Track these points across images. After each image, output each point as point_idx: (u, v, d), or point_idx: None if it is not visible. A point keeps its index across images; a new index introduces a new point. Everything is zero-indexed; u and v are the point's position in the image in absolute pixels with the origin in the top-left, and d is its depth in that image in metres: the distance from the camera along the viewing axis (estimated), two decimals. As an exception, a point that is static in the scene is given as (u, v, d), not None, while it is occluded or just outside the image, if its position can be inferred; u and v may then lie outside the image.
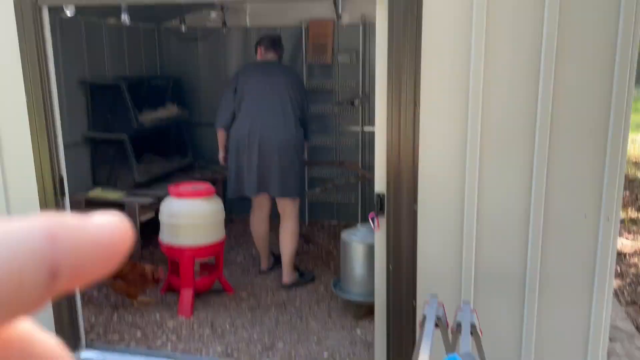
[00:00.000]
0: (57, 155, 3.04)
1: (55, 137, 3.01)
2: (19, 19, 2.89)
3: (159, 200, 4.59)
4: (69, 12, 3.01)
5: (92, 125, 4.91)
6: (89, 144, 4.93)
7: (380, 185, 2.77)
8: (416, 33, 2.57)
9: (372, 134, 5.51)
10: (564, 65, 2.50)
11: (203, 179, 4.80)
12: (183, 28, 5.36)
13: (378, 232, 2.84)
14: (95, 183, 4.94)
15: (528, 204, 2.65)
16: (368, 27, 5.23)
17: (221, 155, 4.33)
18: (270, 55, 4.23)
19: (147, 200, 4.60)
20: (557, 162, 2.59)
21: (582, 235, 2.65)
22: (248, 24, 5.52)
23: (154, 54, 5.75)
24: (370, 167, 5.43)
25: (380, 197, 2.78)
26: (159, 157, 5.36)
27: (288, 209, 4.22)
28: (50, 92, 2.95)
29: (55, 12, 3.52)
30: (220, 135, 4.24)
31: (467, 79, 2.59)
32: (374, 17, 5.12)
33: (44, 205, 3.07)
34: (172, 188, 4.02)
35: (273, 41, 4.29)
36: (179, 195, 3.94)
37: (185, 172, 5.41)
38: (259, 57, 4.27)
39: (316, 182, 5.43)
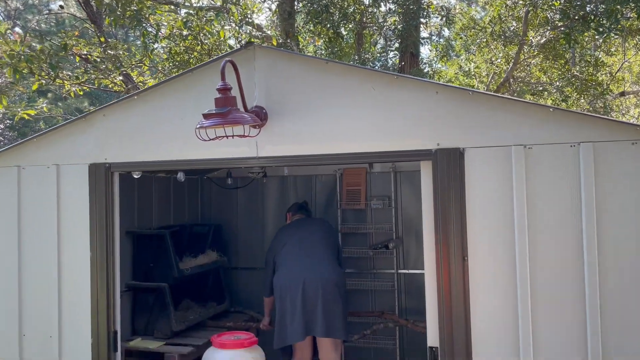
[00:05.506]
0: (114, 310, 3.14)
1: (114, 292, 3.14)
2: (92, 182, 3.18)
3: (197, 348, 4.57)
4: (135, 175, 3.30)
5: (135, 274, 5.05)
6: (131, 292, 5.03)
7: (432, 338, 2.78)
8: (460, 191, 2.76)
9: (407, 276, 5.58)
10: (603, 216, 2.62)
11: (237, 328, 4.86)
12: (229, 181, 5.73)
13: (433, 389, 2.79)
14: (134, 331, 4.95)
15: (585, 354, 2.62)
16: (399, 175, 5.52)
17: (266, 321, 4.62)
18: (299, 216, 4.59)
19: (185, 349, 4.57)
20: (611, 309, 2.60)
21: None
22: (285, 172, 5.87)
23: (197, 203, 6.06)
24: (408, 311, 5.39)
25: (434, 351, 2.78)
26: (196, 303, 5.40)
27: (331, 357, 4.15)
28: (113, 249, 3.14)
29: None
30: (268, 303, 4.44)
31: (512, 231, 2.71)
32: (404, 166, 5.45)
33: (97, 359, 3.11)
34: (215, 338, 4.02)
35: (300, 206, 4.76)
36: (222, 345, 3.93)
37: (220, 319, 5.41)
38: (287, 222, 4.67)
39: (353, 326, 5.36)
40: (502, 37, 7.73)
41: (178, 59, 8.80)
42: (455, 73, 9.86)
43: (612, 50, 7.57)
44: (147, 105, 3.20)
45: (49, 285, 3.19)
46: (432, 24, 10.95)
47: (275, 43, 8.57)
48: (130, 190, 4.99)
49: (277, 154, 2.98)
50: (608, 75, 7.56)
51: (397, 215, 5.57)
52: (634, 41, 7.39)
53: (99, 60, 8.54)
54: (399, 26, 9.19)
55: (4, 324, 3.27)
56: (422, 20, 9.29)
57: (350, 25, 9.79)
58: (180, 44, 8.53)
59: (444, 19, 8.85)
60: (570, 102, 7.98)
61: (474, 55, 9.38)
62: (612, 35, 6.77)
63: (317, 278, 4.10)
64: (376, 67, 11.20)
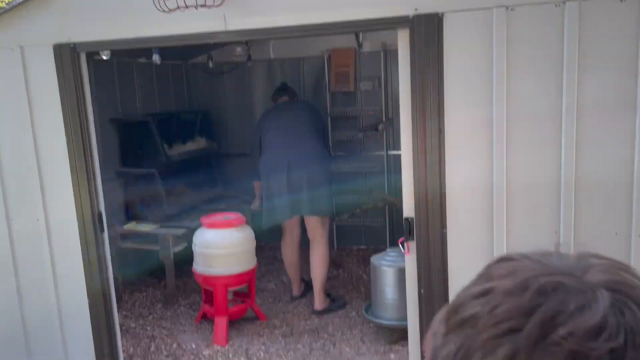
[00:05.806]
0: (96, 192, 3.17)
1: (94, 174, 3.15)
2: (58, 64, 3.06)
3: (191, 230, 4.71)
4: (104, 56, 3.18)
5: (124, 161, 5.08)
6: (122, 179, 5.09)
7: (408, 210, 2.81)
8: (438, 61, 2.64)
9: (397, 157, 5.57)
10: (586, 78, 2.52)
11: (229, 210, 4.97)
12: (210, 64, 5.55)
13: (408, 257, 2.87)
14: (128, 217, 5.08)
15: (558, 222, 2.65)
16: (389, 54, 5.33)
17: (256, 203, 4.62)
18: (283, 99, 4.47)
19: (179, 231, 4.71)
20: (585, 179, 2.59)
21: (614, 253, 2.63)
22: (272, 55, 5.68)
23: (182, 89, 5.94)
24: (397, 191, 5.46)
25: (409, 222, 2.82)
26: (188, 188, 5.49)
27: (318, 234, 4.28)
28: (89, 132, 3.10)
29: (90, 53, 3.70)
30: (257, 186, 4.46)
31: (491, 102, 2.63)
32: (394, 45, 5.23)
33: (85, 241, 3.19)
34: (204, 219, 4.12)
35: (279, 89, 4.62)
36: (212, 225, 4.04)
37: (213, 203, 5.52)
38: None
39: (344, 207, 5.48)
40: None
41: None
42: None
43: None
44: (107, -21, 2.98)
45: (29, 171, 3.20)
46: None
47: None
48: (110, 77, 4.87)
49: (245, 26, 2.82)
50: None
51: (386, 96, 5.47)
52: None
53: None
54: None
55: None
56: None
57: None
58: None
59: None
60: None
61: None
62: None
63: (301, 159, 4.11)
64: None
